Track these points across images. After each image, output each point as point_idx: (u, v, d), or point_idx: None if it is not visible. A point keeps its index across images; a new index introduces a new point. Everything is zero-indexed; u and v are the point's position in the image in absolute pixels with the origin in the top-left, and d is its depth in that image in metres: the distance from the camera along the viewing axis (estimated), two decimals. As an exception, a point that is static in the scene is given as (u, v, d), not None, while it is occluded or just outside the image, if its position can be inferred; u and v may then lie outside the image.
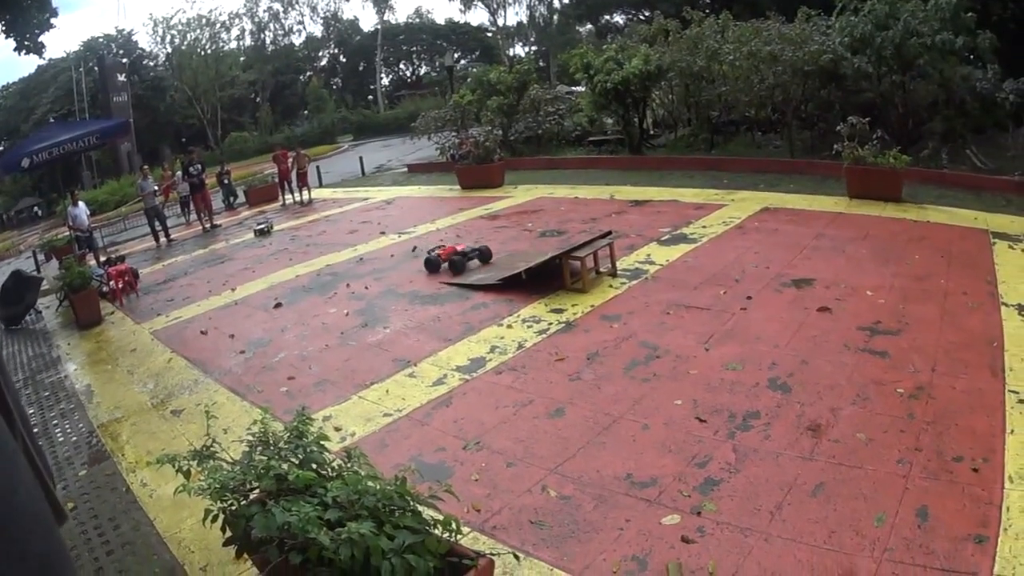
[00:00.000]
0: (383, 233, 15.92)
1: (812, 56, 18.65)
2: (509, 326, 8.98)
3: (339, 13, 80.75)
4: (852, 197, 14.37)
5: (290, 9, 76.62)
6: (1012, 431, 6.06)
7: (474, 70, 36.28)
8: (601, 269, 10.50)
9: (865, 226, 12.25)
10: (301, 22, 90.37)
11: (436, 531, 3.78)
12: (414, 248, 13.79)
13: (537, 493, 5.33)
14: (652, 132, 25.84)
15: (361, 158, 33.28)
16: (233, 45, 71.91)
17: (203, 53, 63.80)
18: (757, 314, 8.46)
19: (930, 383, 6.73)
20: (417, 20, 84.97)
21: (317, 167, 29.23)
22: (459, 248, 12.16)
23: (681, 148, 23.40)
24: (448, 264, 11.75)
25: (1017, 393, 6.73)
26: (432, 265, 12.00)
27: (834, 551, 4.50)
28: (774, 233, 11.95)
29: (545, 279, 10.18)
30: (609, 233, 11.00)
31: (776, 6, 24.45)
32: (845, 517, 4.81)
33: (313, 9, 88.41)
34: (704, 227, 12.55)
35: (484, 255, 12.06)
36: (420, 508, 3.92)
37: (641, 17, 41.54)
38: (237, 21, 73.68)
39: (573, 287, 9.93)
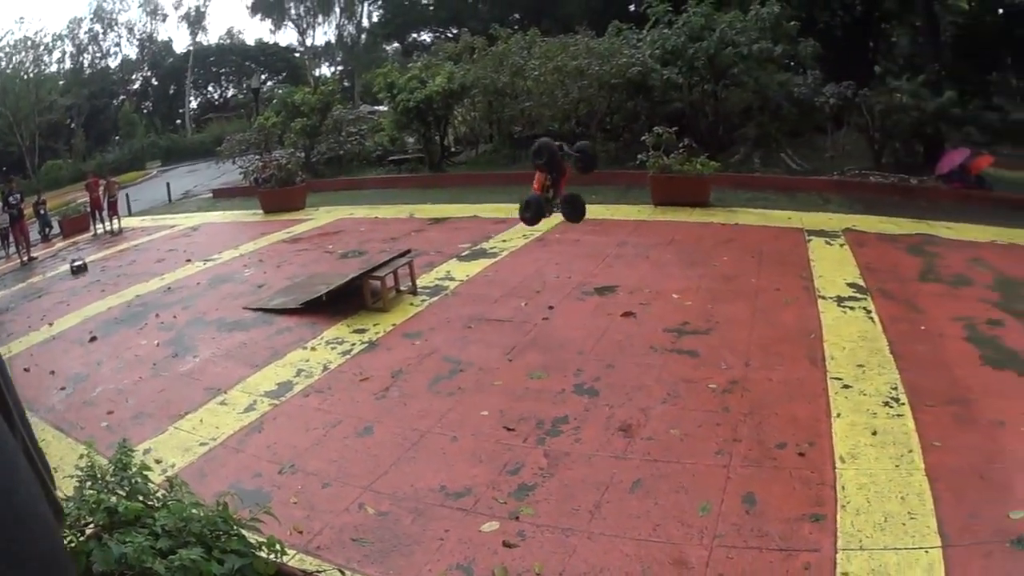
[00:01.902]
0: (189, 261, 15.59)
1: (620, 69, 19.26)
2: (313, 349, 8.90)
3: (154, 35, 79.02)
4: (657, 204, 14.84)
5: (109, 31, 74.60)
6: (838, 415, 6.50)
7: (280, 92, 36.06)
8: (402, 288, 10.47)
9: (670, 232, 12.69)
10: (118, 44, 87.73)
11: (262, 553, 3.81)
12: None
13: (355, 511, 5.31)
14: (453, 149, 26.18)
15: (168, 184, 32.60)
16: (53, 68, 69.36)
17: (26, 77, 61.45)
18: (560, 323, 8.61)
19: (744, 377, 7.10)
20: (228, 41, 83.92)
21: (127, 194, 28.40)
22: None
23: (483, 164, 23.76)
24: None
25: (841, 379, 7.24)
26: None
27: (661, 543, 4.65)
28: (576, 244, 12.15)
29: (347, 300, 10.13)
30: (409, 252, 10.98)
31: (588, 21, 25.13)
32: (668, 510, 4.96)
33: (130, 30, 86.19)
34: (504, 241, 12.71)
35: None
36: (244, 532, 3.92)
37: (449, 35, 42.04)
38: (59, 43, 71.15)
39: (374, 307, 9.89)
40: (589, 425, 6.01)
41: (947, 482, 5.71)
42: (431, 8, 48.55)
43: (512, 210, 14.31)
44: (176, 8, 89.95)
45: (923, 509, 5.31)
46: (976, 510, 5.45)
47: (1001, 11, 30.08)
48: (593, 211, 13.24)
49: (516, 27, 27.47)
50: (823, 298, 9.50)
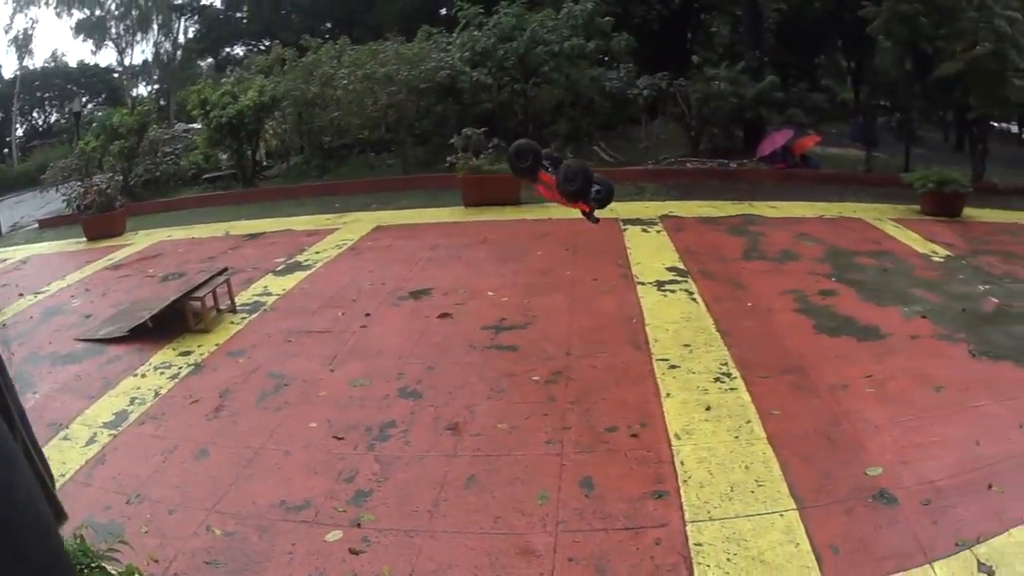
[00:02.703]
0: (21, 295, 14.95)
1: (428, 74, 19.43)
2: (144, 375, 8.73)
3: (-20, 61, 75.74)
4: (468, 206, 15.01)
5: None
6: (668, 395, 6.80)
7: (99, 114, 34.92)
8: (221, 307, 10.37)
9: (482, 231, 12.87)
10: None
11: (124, 583, 3.77)
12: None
13: (204, 534, 5.28)
14: (265, 164, 26.00)
15: (-4, 217, 31.39)
16: None
17: None
18: (378, 329, 8.66)
19: (567, 367, 7.33)
20: (52, 64, 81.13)
21: (-41, 231, 27.32)
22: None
23: (294, 177, 23.69)
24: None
25: (667, 360, 7.54)
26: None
27: (505, 534, 4.77)
28: (388, 250, 12.23)
29: (171, 323, 9.96)
30: (226, 270, 10.87)
31: (399, 27, 25.11)
32: (506, 502, 5.08)
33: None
34: (317, 253, 12.70)
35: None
36: (104, 564, 3.91)
37: (261, 48, 41.46)
38: None
39: (197, 328, 9.77)
40: (416, 427, 6.10)
41: (793, 448, 6.01)
42: (244, 21, 47.77)
43: (323, 221, 14.32)
44: (6, 32, 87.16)
45: (771, 476, 5.57)
46: (829, 471, 5.78)
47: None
48: (404, 216, 13.37)
49: (327, 36, 27.34)
50: (642, 284, 9.81)
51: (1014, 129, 47.74)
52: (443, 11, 29.57)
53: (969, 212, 18.59)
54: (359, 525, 4.96)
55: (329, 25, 38.31)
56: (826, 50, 40.14)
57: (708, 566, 4.55)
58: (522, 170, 8.78)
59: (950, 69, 21.17)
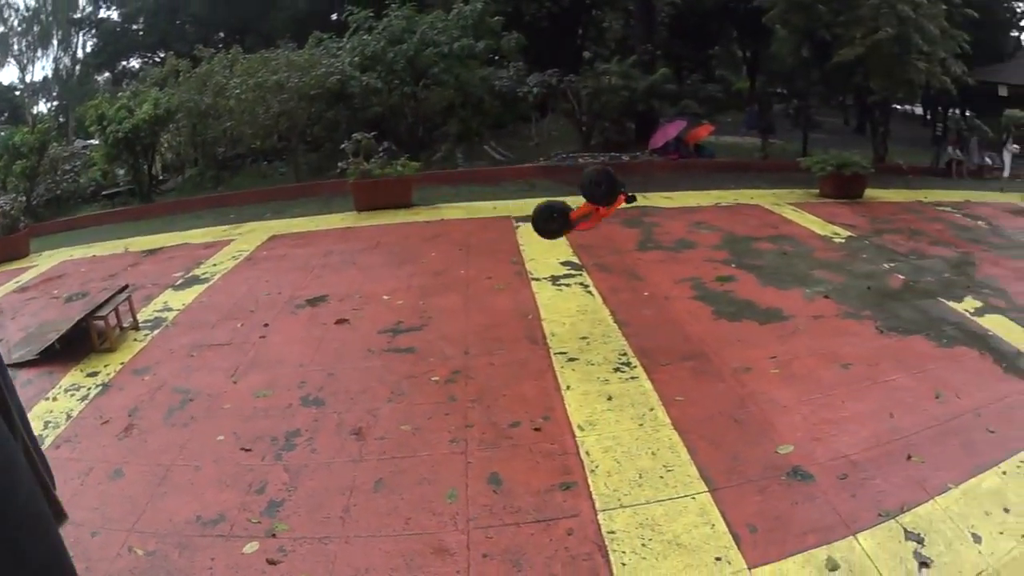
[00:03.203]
0: None
1: (319, 80, 19.35)
2: (55, 399, 8.57)
3: None
4: (360, 211, 14.95)
5: None
6: (568, 387, 6.92)
7: (1, 134, 34.02)
8: (124, 324, 10.24)
9: (376, 236, 12.86)
10: None
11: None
12: None
13: (127, 555, 5.25)
14: (161, 177, 25.63)
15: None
16: None
17: None
18: (277, 339, 8.65)
19: (466, 366, 7.45)
20: None
21: None
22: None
23: (190, 189, 23.36)
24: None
25: (565, 353, 7.68)
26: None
27: (418, 534, 4.81)
28: (283, 259, 12.17)
29: (78, 344, 9.80)
30: (126, 287, 10.74)
31: (291, 34, 25.07)
32: (416, 503, 5.13)
33: None
34: (215, 265, 12.57)
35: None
36: None
37: (156, 60, 40.77)
38: None
39: (102, 348, 9.63)
40: (321, 434, 6.13)
41: (699, 432, 6.15)
42: (141, 33, 46.90)
43: (220, 232, 14.21)
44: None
45: (679, 460, 5.70)
46: (738, 452, 5.94)
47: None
48: (297, 224, 13.38)
49: (221, 46, 27.01)
50: (536, 280, 9.98)
51: (918, 110, 48.88)
52: (334, 16, 29.40)
53: (872, 193, 18.99)
54: (274, 535, 4.98)
55: (223, 35, 37.93)
56: (721, 41, 40.79)
57: (624, 552, 4.63)
58: (599, 197, 8.62)
59: (850, 54, 21.58)
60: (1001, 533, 5.23)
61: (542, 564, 4.53)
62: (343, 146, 15.96)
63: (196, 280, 11.75)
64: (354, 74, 19.60)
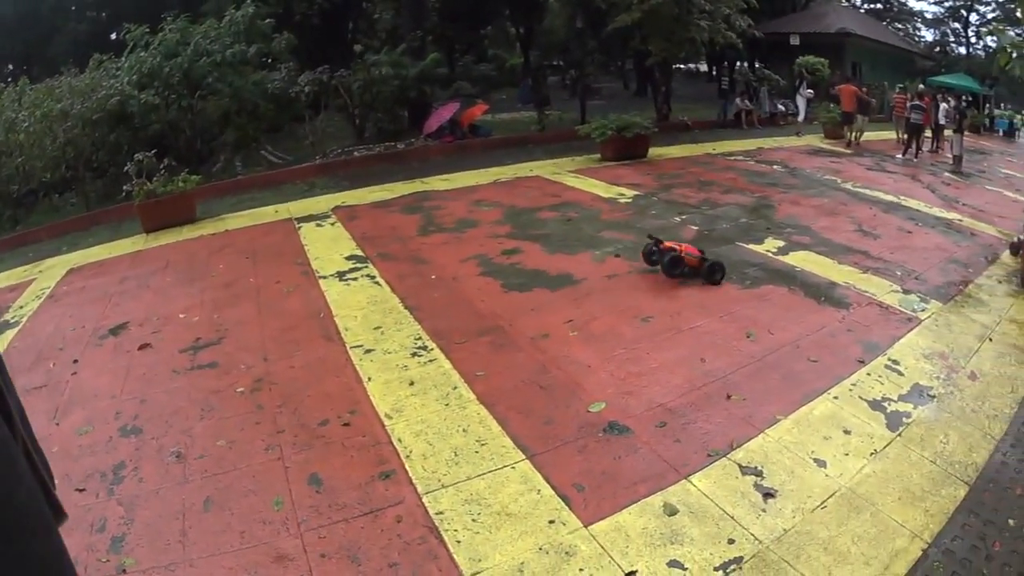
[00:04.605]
0: None
1: (100, 103, 18.67)
2: None
3: None
4: (149, 232, 14.59)
5: None
6: (370, 379, 7.06)
7: None
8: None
9: (165, 255, 12.59)
10: None
11: None
12: None
13: None
14: (-41, 222, 24.04)
15: None
16: None
17: None
18: (87, 373, 8.43)
19: (267, 372, 7.43)
20: None
21: None
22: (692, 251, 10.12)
23: (-12, 233, 22.12)
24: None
25: (361, 346, 7.87)
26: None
27: (255, 546, 4.78)
28: (83, 291, 11.79)
29: None
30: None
31: (72, 58, 24.16)
32: (246, 515, 5.10)
33: None
34: (21, 308, 11.98)
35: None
36: None
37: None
38: None
39: None
40: (145, 462, 6.03)
41: (506, 403, 6.40)
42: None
43: (21, 273, 13.68)
44: None
45: (491, 433, 5.91)
46: (550, 416, 6.18)
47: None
48: (91, 254, 13.09)
49: (10, 79, 25.69)
50: (324, 278, 10.10)
51: (704, 67, 50.36)
52: (113, 36, 28.42)
53: (657, 151, 19.71)
54: (124, 571, 4.90)
55: (11, 67, 36.08)
56: (494, 20, 41.05)
57: (456, 530, 4.75)
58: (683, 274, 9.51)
59: (627, 20, 22.27)
60: (847, 454, 5.62)
61: (379, 555, 4.58)
62: (126, 168, 15.48)
63: (7, 325, 11.25)
64: (133, 93, 19.04)
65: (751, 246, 11.09)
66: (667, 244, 9.67)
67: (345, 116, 24.24)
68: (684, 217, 12.95)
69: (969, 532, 4.86)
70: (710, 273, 9.47)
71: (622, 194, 14.91)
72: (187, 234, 13.87)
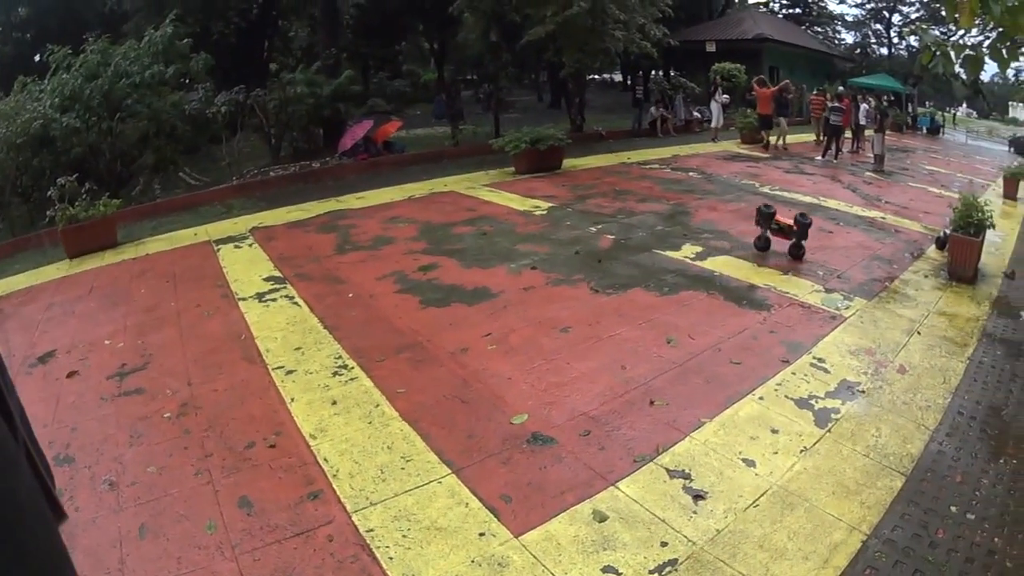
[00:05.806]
0: None
1: (24, 126, 18.40)
2: None
3: None
4: (72, 257, 14.43)
5: None
6: (293, 400, 7.12)
7: None
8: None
9: (88, 281, 12.45)
10: None
11: None
12: None
13: None
14: None
15: None
16: None
17: None
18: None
19: (192, 396, 7.41)
20: None
21: None
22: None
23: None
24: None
25: (283, 367, 7.91)
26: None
27: (192, 571, 4.76)
28: (11, 318, 11.55)
29: None
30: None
31: (-1, 82, 23.37)
32: (180, 541, 5.08)
33: None
34: None
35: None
36: None
37: None
38: None
39: None
40: (79, 491, 5.97)
41: (429, 419, 6.51)
42: None
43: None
44: None
45: (415, 449, 6.01)
46: (472, 431, 6.30)
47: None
48: (16, 282, 12.87)
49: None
50: (243, 299, 10.14)
51: (618, 78, 50.49)
52: (37, 57, 28.00)
53: (572, 162, 19.81)
54: None
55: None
56: (407, 36, 41.06)
57: (388, 547, 4.80)
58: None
59: (540, 33, 22.35)
60: (776, 453, 5.82)
61: (313, 574, 4.60)
62: (49, 193, 15.30)
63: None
64: (55, 116, 18.78)
65: (668, 253, 11.29)
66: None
67: (261, 136, 24.24)
68: (600, 227, 13.06)
69: (910, 521, 5.04)
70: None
71: (537, 206, 15.03)
72: (109, 259, 13.75)
